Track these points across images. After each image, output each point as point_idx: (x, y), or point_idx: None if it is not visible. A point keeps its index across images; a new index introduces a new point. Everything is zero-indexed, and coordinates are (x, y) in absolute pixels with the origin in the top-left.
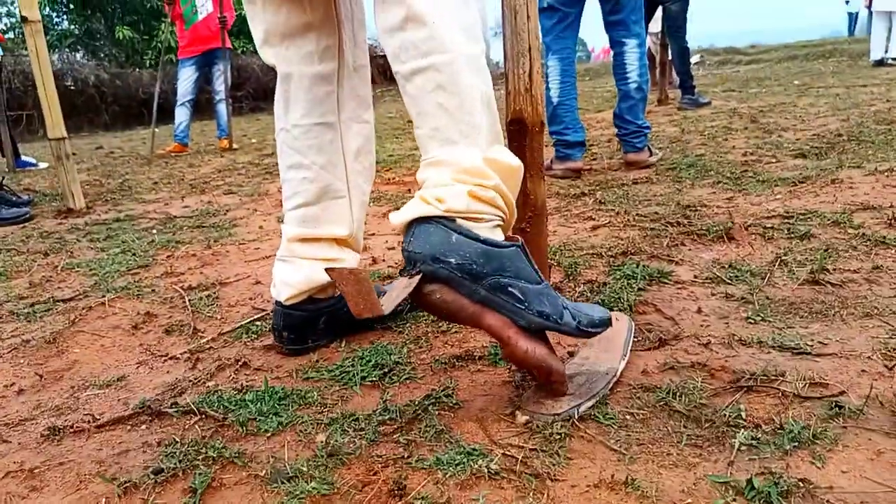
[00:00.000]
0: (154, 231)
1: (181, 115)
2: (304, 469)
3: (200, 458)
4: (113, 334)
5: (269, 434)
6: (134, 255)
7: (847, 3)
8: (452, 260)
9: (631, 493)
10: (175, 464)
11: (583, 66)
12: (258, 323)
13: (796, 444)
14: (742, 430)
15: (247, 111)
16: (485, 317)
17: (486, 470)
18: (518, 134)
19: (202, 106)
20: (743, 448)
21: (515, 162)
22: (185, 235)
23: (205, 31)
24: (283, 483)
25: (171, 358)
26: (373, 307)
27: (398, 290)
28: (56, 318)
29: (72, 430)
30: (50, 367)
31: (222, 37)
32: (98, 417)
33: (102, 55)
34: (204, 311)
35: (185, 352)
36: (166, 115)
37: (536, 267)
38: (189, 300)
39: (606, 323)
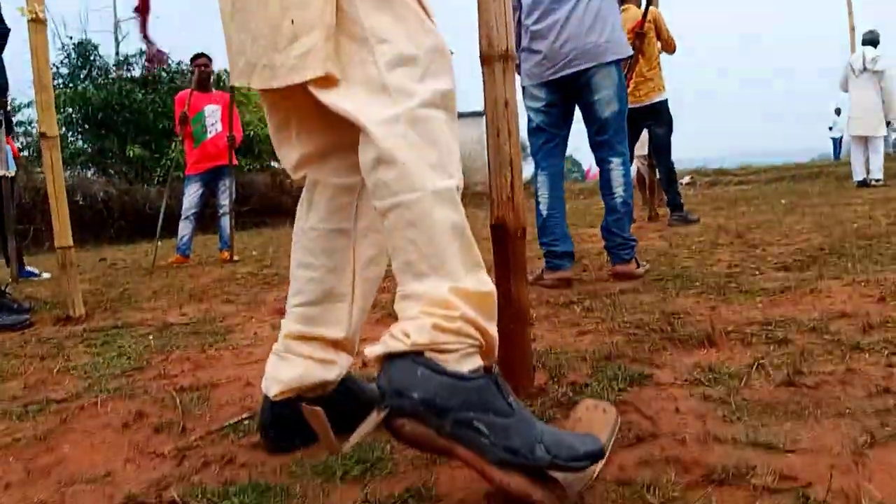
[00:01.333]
0: (151, 337)
1: (185, 228)
2: None
3: None
4: (103, 433)
5: None
6: (128, 358)
7: (830, 129)
8: (416, 395)
9: None
10: None
11: (578, 186)
12: (246, 422)
13: None
14: None
15: (250, 226)
16: (456, 450)
17: None
18: (500, 239)
19: (205, 221)
20: None
21: (486, 288)
22: (180, 341)
23: (213, 150)
24: None
25: (158, 455)
26: (329, 446)
27: (367, 425)
28: (48, 417)
29: None
30: (38, 464)
31: (230, 154)
32: None
33: (112, 172)
34: (194, 411)
35: (173, 449)
36: (171, 228)
37: (510, 398)
38: (180, 400)
39: (595, 456)
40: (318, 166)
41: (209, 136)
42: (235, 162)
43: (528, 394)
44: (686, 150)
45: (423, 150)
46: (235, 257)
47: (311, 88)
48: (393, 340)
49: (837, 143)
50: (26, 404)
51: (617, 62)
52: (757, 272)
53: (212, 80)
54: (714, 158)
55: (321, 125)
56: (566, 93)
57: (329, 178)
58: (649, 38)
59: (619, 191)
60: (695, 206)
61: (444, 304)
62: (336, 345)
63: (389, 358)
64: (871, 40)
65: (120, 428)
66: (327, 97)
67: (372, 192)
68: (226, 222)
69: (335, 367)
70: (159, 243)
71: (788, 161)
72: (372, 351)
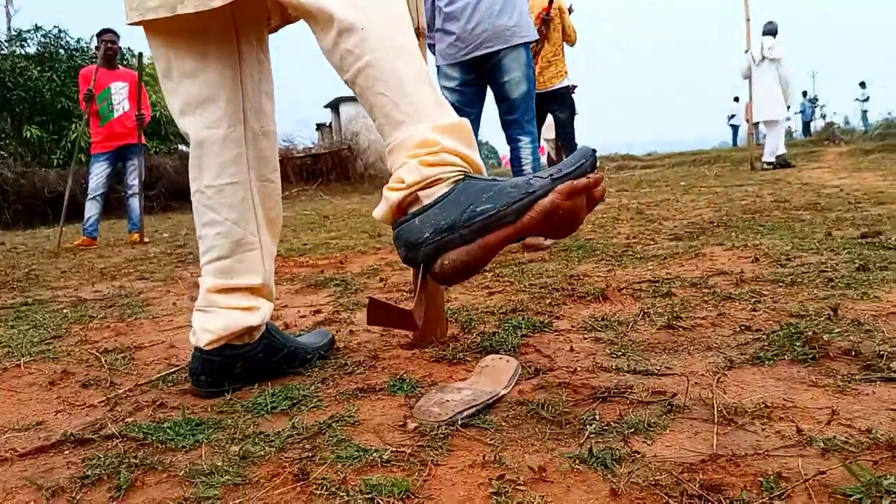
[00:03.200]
0: (66, 311)
1: (91, 209)
2: (220, 466)
3: (123, 466)
4: (29, 390)
5: (186, 449)
6: (46, 329)
7: (730, 118)
8: (427, 234)
9: (497, 468)
10: (99, 472)
11: (494, 171)
12: (174, 375)
13: (633, 430)
14: (592, 424)
15: (158, 210)
16: (488, 241)
17: (378, 460)
18: None
19: (112, 203)
20: (592, 435)
21: (455, 120)
22: (97, 313)
23: (120, 128)
24: (200, 478)
25: (88, 406)
26: (413, 323)
27: (417, 290)
28: None
29: None
30: None
31: (139, 133)
32: (20, 450)
33: (7, 154)
34: (120, 370)
35: (103, 400)
36: (75, 212)
37: (489, 178)
38: (105, 360)
39: (587, 155)
40: (194, 115)
41: (116, 114)
42: (144, 141)
43: (442, 342)
44: (596, 139)
45: (378, 13)
46: (146, 239)
47: None
48: (391, 192)
49: (736, 130)
50: None
51: (526, 45)
52: (652, 242)
53: (118, 57)
54: (621, 145)
55: (194, 69)
56: (478, 73)
57: (213, 132)
58: (554, 23)
59: (528, 167)
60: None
61: (426, 143)
62: (254, 291)
63: (395, 234)
64: (770, 30)
65: (46, 385)
66: None
67: (339, 66)
68: (135, 203)
69: (258, 313)
70: (63, 228)
71: (692, 149)
72: (378, 212)
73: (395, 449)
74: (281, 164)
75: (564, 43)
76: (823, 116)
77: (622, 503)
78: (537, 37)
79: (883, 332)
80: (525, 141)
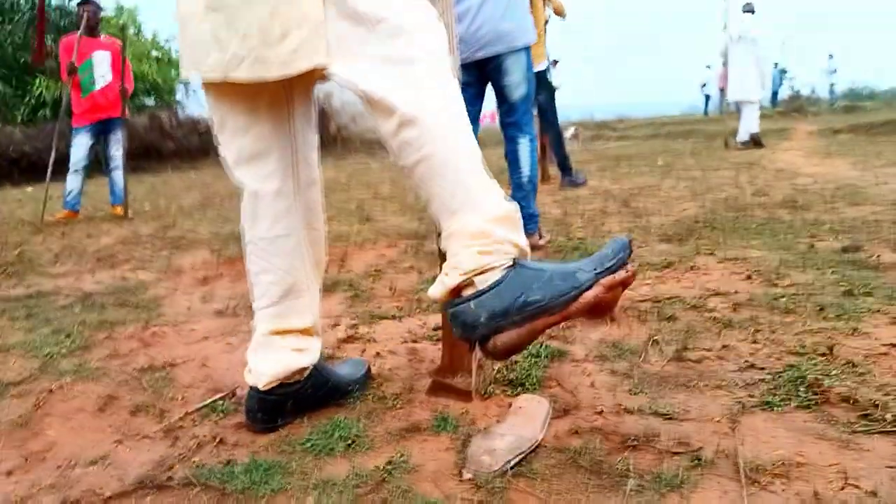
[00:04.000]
0: (76, 310)
1: (73, 181)
2: None
3: None
4: (79, 417)
5: (265, 499)
6: (67, 335)
7: (703, 86)
8: (482, 319)
9: None
10: None
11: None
12: (220, 403)
13: (669, 487)
14: (630, 479)
15: (128, 171)
16: (536, 325)
17: None
18: None
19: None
20: (632, 492)
21: (507, 207)
22: (112, 315)
23: (102, 101)
24: None
25: (145, 437)
26: (468, 394)
27: (475, 372)
28: (14, 401)
29: None
30: (30, 449)
31: (123, 106)
32: (100, 492)
33: None
34: (163, 393)
35: (158, 431)
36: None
37: (537, 265)
38: (145, 382)
39: (623, 248)
40: (248, 168)
41: (98, 86)
42: (127, 115)
43: (468, 370)
44: (570, 103)
45: (437, 106)
46: (130, 213)
47: (325, 71)
48: (447, 277)
49: (708, 99)
50: None
51: (527, 48)
52: (644, 244)
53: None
54: (591, 108)
55: (247, 124)
56: (480, 74)
57: (265, 185)
58: (535, 5)
59: (526, 169)
60: (581, 164)
61: (481, 234)
62: (305, 332)
63: (450, 313)
64: (749, 9)
65: (95, 412)
66: (341, 77)
67: (397, 153)
68: (118, 177)
69: (310, 353)
70: (29, 190)
71: (661, 113)
72: (433, 292)
73: (458, 503)
74: None
75: (555, 16)
76: (793, 88)
77: None
78: (536, 40)
79: (875, 375)
80: (524, 142)
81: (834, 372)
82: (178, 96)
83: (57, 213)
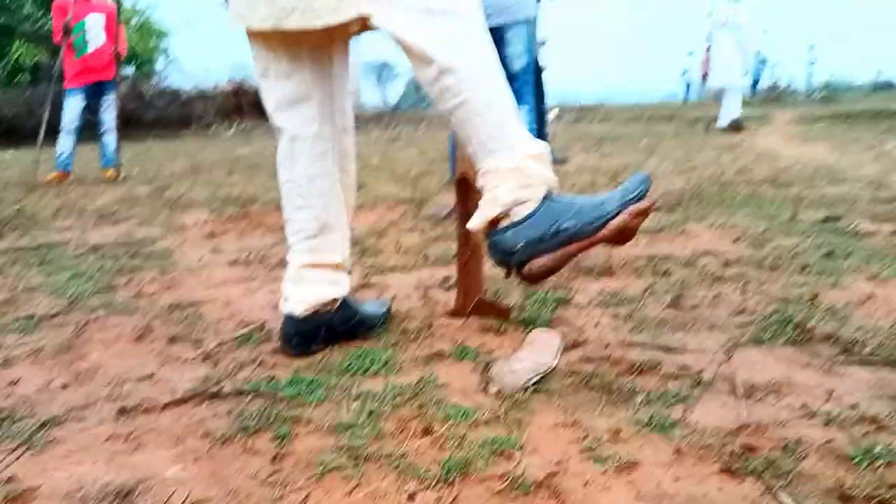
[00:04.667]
0: (90, 258)
1: (65, 142)
2: (357, 421)
3: (272, 418)
4: (120, 343)
5: (314, 404)
6: (90, 278)
7: (684, 73)
8: (520, 245)
9: (578, 427)
10: (254, 423)
11: None
12: (253, 335)
13: (675, 400)
14: (639, 395)
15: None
16: (570, 250)
17: (482, 419)
18: (462, 189)
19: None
20: (641, 404)
21: (538, 148)
22: (129, 262)
23: (94, 63)
24: (345, 430)
25: (188, 360)
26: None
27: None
28: (52, 331)
29: (140, 409)
30: (80, 368)
31: (117, 69)
32: (157, 400)
33: None
34: (195, 326)
35: (198, 355)
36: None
37: (567, 198)
38: (177, 317)
39: (644, 181)
40: (289, 112)
41: (91, 48)
42: (119, 78)
43: (482, 312)
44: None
45: (473, 54)
46: (121, 176)
47: (368, 22)
48: (486, 209)
49: (689, 86)
50: (16, 318)
51: (527, 20)
52: None
53: None
54: (572, 91)
55: (290, 70)
56: None
57: (305, 130)
58: None
59: None
60: (566, 143)
61: (517, 170)
62: (337, 267)
63: (489, 242)
64: None
65: (134, 339)
66: (382, 26)
67: (437, 97)
68: (110, 139)
69: (341, 286)
70: (8, 155)
71: (642, 100)
72: (474, 223)
73: (489, 410)
74: (241, 97)
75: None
76: (772, 78)
77: (687, 459)
78: (536, 14)
79: (855, 319)
80: (523, 111)
81: (818, 315)
82: (158, 66)
83: (48, 174)
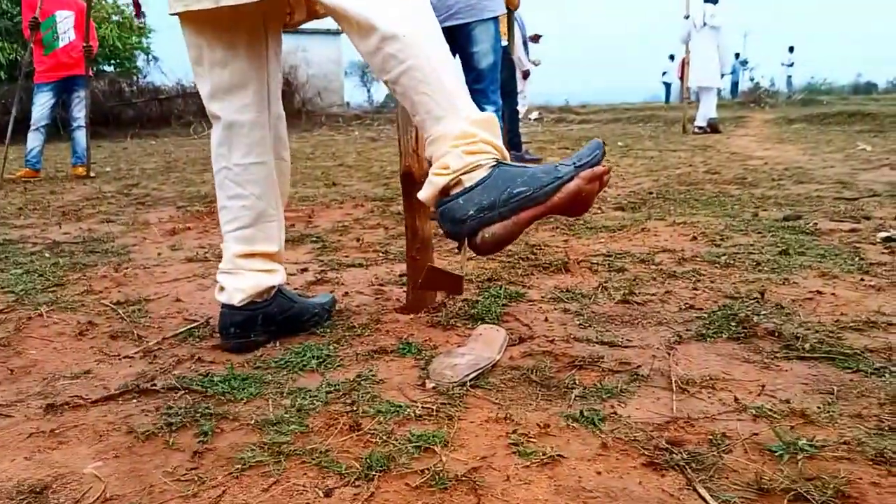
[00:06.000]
0: (46, 255)
1: (34, 140)
2: (283, 416)
3: (198, 415)
4: (61, 339)
5: (244, 401)
6: (41, 275)
7: (663, 74)
8: (471, 211)
9: (509, 423)
10: (180, 419)
11: None
12: (195, 330)
13: (609, 394)
14: (576, 389)
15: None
16: (522, 216)
17: (413, 415)
18: (407, 184)
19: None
20: (577, 399)
21: (486, 114)
22: (83, 259)
23: (65, 58)
24: (270, 426)
25: (126, 357)
26: (459, 280)
27: (462, 258)
28: None
29: (69, 406)
30: (14, 365)
31: (86, 65)
32: (87, 397)
33: None
34: (140, 322)
35: (138, 352)
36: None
37: (520, 165)
38: (122, 313)
39: (598, 147)
40: (225, 100)
41: (60, 44)
42: (91, 73)
43: (433, 307)
44: (536, 88)
45: (417, 21)
46: (91, 173)
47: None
48: (437, 177)
49: (669, 87)
50: None
51: (495, 18)
52: (599, 211)
53: None
54: (557, 93)
55: (225, 58)
56: (448, 42)
57: (241, 117)
58: None
59: None
60: (544, 144)
61: (465, 135)
62: (272, 256)
63: (439, 212)
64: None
65: (76, 335)
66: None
67: (380, 67)
68: (80, 136)
69: (277, 275)
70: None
71: (625, 101)
72: (423, 193)
73: (422, 405)
74: None
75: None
76: (752, 79)
77: (611, 453)
78: (505, 11)
79: (799, 315)
80: (489, 110)
81: (763, 312)
82: (139, 63)
83: (16, 171)
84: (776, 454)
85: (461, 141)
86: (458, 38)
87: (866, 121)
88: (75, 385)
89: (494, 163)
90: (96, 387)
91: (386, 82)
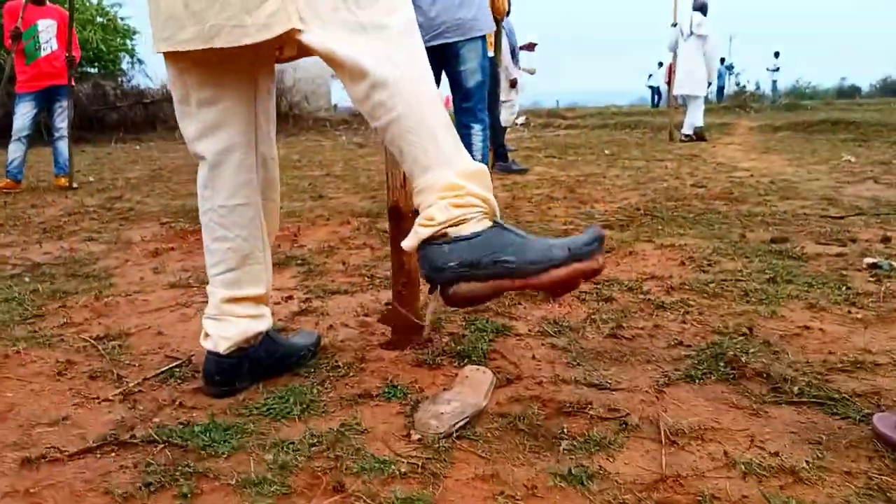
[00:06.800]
0: (26, 279)
1: (16, 150)
2: (264, 476)
3: (178, 473)
4: (39, 380)
5: (225, 455)
6: (19, 303)
7: (649, 77)
8: (453, 263)
9: (495, 482)
10: (159, 479)
11: None
12: (177, 370)
13: (598, 448)
14: (564, 440)
15: (71, 141)
16: (501, 285)
17: (397, 472)
18: (396, 218)
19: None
20: (565, 452)
21: (476, 167)
22: (64, 285)
23: (47, 68)
24: (252, 487)
25: (105, 400)
26: (419, 328)
27: (431, 306)
28: None
29: (45, 460)
30: None
31: (69, 75)
32: (64, 449)
33: None
34: (120, 360)
35: (118, 394)
36: None
37: (518, 231)
38: (102, 349)
39: (598, 239)
40: (210, 141)
41: (43, 53)
42: (73, 83)
43: (419, 343)
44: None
45: (407, 69)
46: (74, 184)
47: (299, 37)
48: (422, 228)
49: (655, 91)
50: None
51: (483, 37)
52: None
53: None
54: (546, 94)
55: (212, 97)
56: (435, 60)
57: (227, 157)
58: None
59: (477, 155)
60: (531, 151)
61: (453, 187)
62: (259, 300)
63: (421, 252)
64: (700, 6)
65: (54, 375)
66: (314, 43)
67: (370, 113)
68: (63, 146)
69: (264, 320)
70: None
71: (614, 102)
72: (407, 243)
73: (407, 461)
74: None
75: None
76: (738, 84)
77: None
78: (494, 29)
79: (788, 354)
80: (476, 129)
81: (752, 350)
82: (124, 65)
83: None
84: None
85: (448, 193)
86: (446, 57)
87: (850, 129)
88: (53, 434)
89: (490, 222)
90: (74, 436)
91: (376, 129)
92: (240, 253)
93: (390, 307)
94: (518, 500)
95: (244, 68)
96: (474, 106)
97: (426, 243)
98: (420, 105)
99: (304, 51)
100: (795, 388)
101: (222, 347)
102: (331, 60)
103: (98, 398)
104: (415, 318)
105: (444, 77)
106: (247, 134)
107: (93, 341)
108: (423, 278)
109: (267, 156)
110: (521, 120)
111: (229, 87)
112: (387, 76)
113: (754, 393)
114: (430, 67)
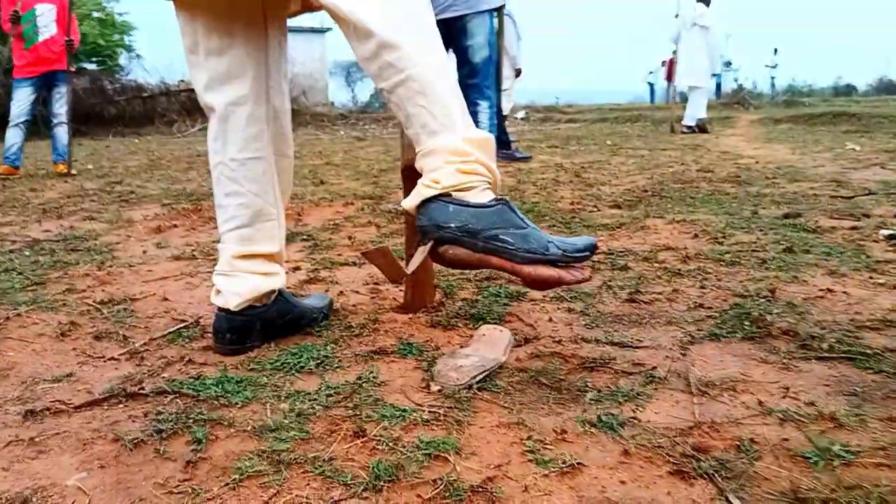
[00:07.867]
0: (27, 253)
1: (14, 136)
2: (282, 422)
3: (190, 421)
4: (41, 341)
5: (239, 405)
6: (20, 273)
7: (650, 73)
8: (453, 224)
9: (522, 428)
10: (171, 426)
11: None
12: (185, 331)
13: (625, 398)
14: (589, 392)
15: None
16: (490, 260)
17: (420, 419)
18: (410, 178)
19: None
20: (591, 402)
21: (484, 135)
22: (65, 257)
23: (46, 53)
24: (269, 433)
25: (111, 359)
26: (401, 272)
27: (418, 255)
28: None
29: (49, 412)
30: None
31: (68, 60)
32: (69, 402)
33: None
34: (125, 322)
35: (124, 353)
36: None
37: (522, 216)
38: (107, 312)
39: (591, 248)
40: (220, 91)
41: (41, 38)
42: (72, 68)
43: (432, 307)
44: (523, 87)
45: (417, 27)
46: (73, 171)
47: None
48: (426, 189)
49: (653, 88)
50: None
51: (491, 11)
52: (595, 209)
53: None
54: (543, 92)
55: (221, 46)
56: (443, 35)
57: (238, 109)
58: None
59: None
60: (532, 142)
61: (461, 152)
62: (272, 258)
63: (424, 203)
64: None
65: (57, 336)
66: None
67: (376, 74)
68: (62, 132)
69: (277, 278)
70: None
71: (610, 101)
72: (409, 202)
73: (428, 409)
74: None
75: None
76: (736, 80)
77: (634, 461)
78: (503, 3)
79: (813, 314)
80: (483, 105)
81: (776, 310)
82: (121, 60)
83: None
84: (810, 461)
85: (456, 158)
86: (453, 31)
87: (852, 121)
88: (56, 389)
89: (493, 194)
90: (79, 391)
91: (381, 90)
92: (252, 209)
93: (379, 245)
94: (548, 444)
95: (253, 15)
96: (481, 82)
97: (434, 198)
98: (428, 68)
99: (308, 5)
100: (825, 345)
101: (233, 304)
102: (336, 16)
103: (103, 357)
104: (397, 262)
105: (450, 57)
106: (257, 86)
107: (96, 305)
108: (419, 229)
109: (279, 109)
110: (520, 114)
111: (239, 37)
112: (395, 36)
113: (782, 350)
114: (435, 26)
